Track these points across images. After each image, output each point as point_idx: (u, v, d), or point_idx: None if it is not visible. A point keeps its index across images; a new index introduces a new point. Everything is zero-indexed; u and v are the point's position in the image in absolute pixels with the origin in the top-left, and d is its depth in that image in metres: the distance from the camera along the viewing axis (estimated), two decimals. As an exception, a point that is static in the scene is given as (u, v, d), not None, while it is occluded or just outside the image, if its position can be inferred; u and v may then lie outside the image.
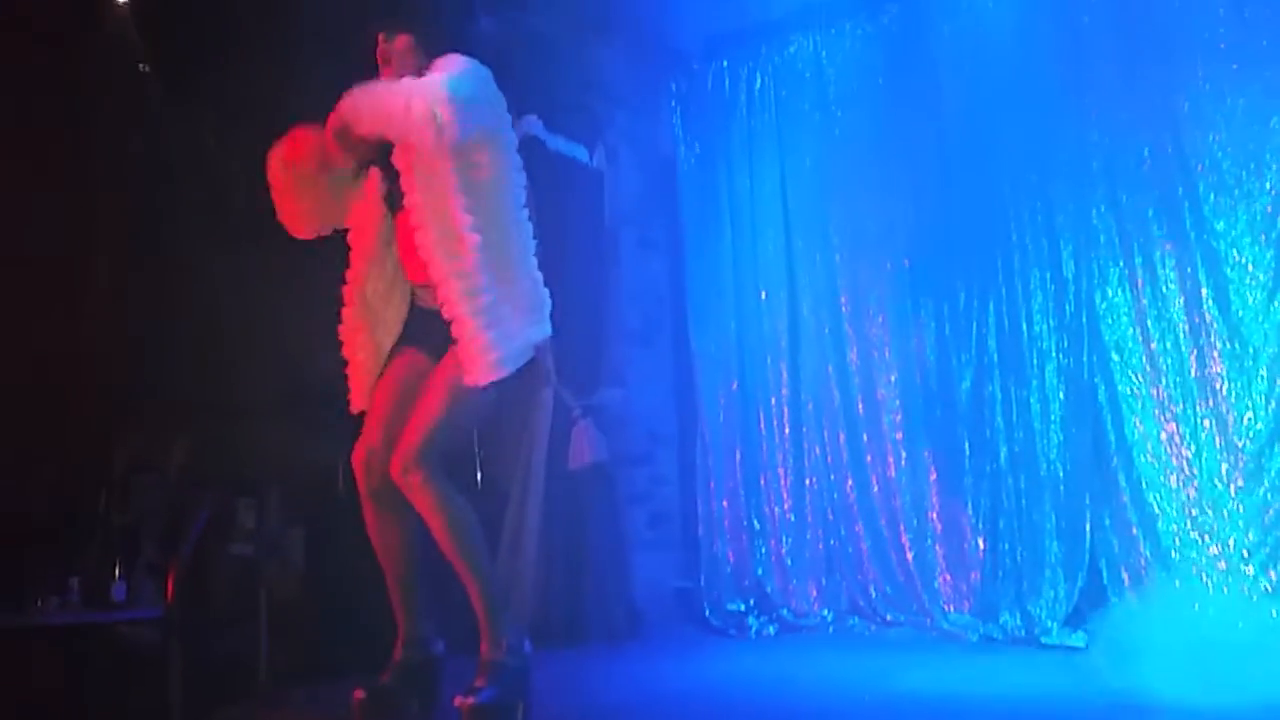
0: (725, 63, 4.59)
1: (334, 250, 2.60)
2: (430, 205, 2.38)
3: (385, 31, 2.49)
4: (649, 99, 4.66)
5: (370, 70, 2.47)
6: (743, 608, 4.30)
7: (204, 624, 3.15)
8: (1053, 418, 3.80)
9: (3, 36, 3.11)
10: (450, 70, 2.37)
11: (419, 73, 2.42)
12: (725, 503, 4.45)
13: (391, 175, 2.46)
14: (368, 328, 2.58)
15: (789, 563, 4.33)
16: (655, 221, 4.73)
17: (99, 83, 3.24)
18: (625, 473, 4.24)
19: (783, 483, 4.38)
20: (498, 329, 2.39)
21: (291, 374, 3.44)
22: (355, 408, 2.59)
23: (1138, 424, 3.67)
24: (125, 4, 3.33)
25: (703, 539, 4.45)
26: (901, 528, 4.08)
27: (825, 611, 4.22)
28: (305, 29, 3.11)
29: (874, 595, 4.12)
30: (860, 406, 4.23)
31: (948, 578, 3.98)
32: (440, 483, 2.40)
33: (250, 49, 3.17)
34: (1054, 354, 3.82)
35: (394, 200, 2.49)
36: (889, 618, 4.06)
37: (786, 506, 4.36)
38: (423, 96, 2.27)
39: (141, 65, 3.29)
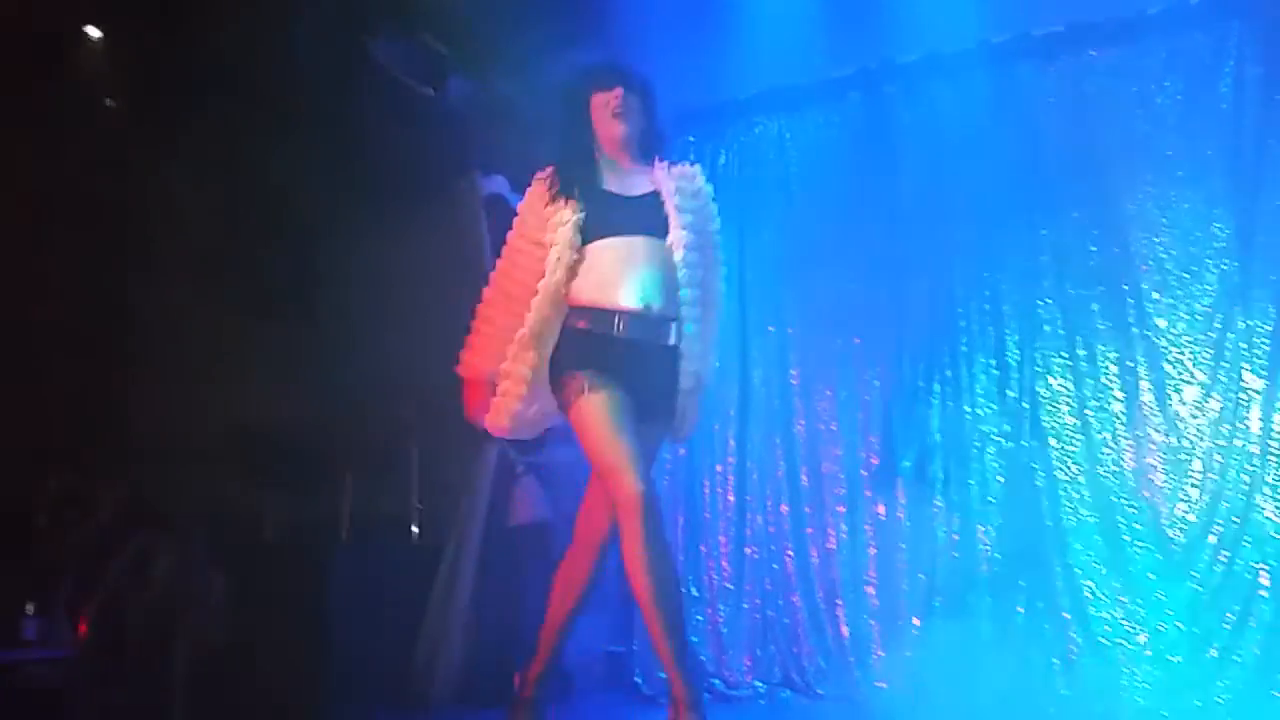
0: (691, 138, 4.64)
1: (282, 301, 2.57)
2: None
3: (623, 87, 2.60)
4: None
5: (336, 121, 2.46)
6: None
7: (115, 669, 3.03)
8: (991, 500, 3.85)
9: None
10: None
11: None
12: (665, 566, 4.41)
13: None
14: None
15: (724, 631, 4.29)
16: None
17: (63, 119, 3.19)
18: (566, 532, 4.19)
19: (723, 550, 4.37)
20: None
21: (231, 420, 3.38)
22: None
23: (1073, 511, 3.74)
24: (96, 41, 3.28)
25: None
26: (839, 601, 4.08)
27: (757, 683, 4.19)
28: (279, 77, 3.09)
29: (807, 668, 4.10)
30: (804, 478, 4.25)
31: (881, 653, 3.98)
32: None
33: (224, 95, 3.13)
34: (995, 438, 3.88)
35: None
36: (821, 691, 4.04)
37: (725, 575, 4.34)
38: None
39: (108, 101, 3.25)
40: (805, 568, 4.19)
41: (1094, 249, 3.81)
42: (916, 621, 3.90)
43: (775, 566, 4.25)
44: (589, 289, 2.51)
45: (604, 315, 2.50)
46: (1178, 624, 3.52)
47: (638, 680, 4.28)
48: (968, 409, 3.94)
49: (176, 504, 3.33)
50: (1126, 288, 3.73)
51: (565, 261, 2.51)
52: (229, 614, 3.40)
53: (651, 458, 2.61)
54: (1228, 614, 3.46)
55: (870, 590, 4.04)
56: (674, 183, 2.61)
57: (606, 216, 2.54)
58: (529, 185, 2.66)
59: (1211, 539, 3.54)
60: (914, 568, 3.95)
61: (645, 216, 2.56)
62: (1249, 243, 3.62)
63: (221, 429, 3.40)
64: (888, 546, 4.03)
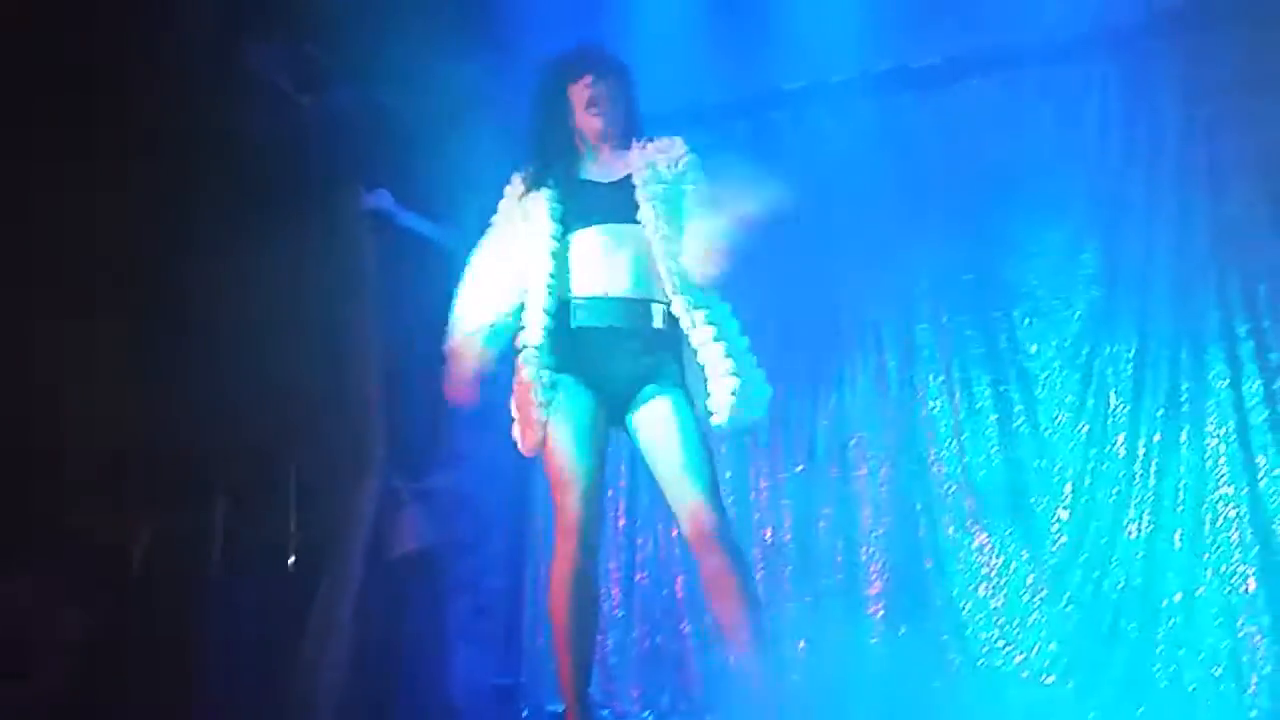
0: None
1: (150, 315, 2.43)
2: None
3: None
4: (506, 183, 4.62)
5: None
6: (562, 708, 4.17)
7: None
8: (873, 522, 3.92)
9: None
10: None
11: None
12: (553, 595, 4.34)
13: None
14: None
15: (613, 660, 4.24)
16: (509, 305, 4.66)
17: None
18: (451, 561, 4.08)
19: (613, 577, 4.32)
20: None
21: (92, 440, 3.17)
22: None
23: (950, 533, 3.83)
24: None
25: (527, 633, 4.33)
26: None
27: (646, 713, 4.15)
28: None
29: (695, 696, 4.08)
30: (694, 502, 4.24)
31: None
32: None
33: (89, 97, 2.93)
34: (875, 460, 3.96)
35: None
36: (709, 719, 4.02)
37: (615, 602, 4.29)
38: None
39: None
40: (694, 593, 4.17)
41: (969, 276, 3.93)
42: (801, 645, 3.93)
43: (665, 592, 4.23)
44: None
45: (567, 307, 2.43)
46: (1051, 644, 3.63)
47: (525, 714, 4.19)
48: (849, 431, 4.01)
49: (28, 532, 3.11)
50: (999, 314, 3.87)
51: (546, 250, 2.45)
52: (84, 652, 3.19)
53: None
54: (1097, 634, 3.58)
55: (758, 614, 4.04)
56: (646, 161, 2.51)
57: (581, 205, 2.48)
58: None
59: (1081, 559, 3.67)
60: (799, 591, 3.97)
61: (618, 203, 2.47)
62: (1114, 272, 3.80)
63: (82, 450, 3.19)
64: (774, 570, 4.05)
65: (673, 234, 2.43)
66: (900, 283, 4.02)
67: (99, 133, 2.62)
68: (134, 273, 2.80)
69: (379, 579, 3.55)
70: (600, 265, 2.44)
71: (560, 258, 2.46)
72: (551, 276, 2.45)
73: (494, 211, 2.66)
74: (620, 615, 4.28)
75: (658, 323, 2.44)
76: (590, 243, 2.46)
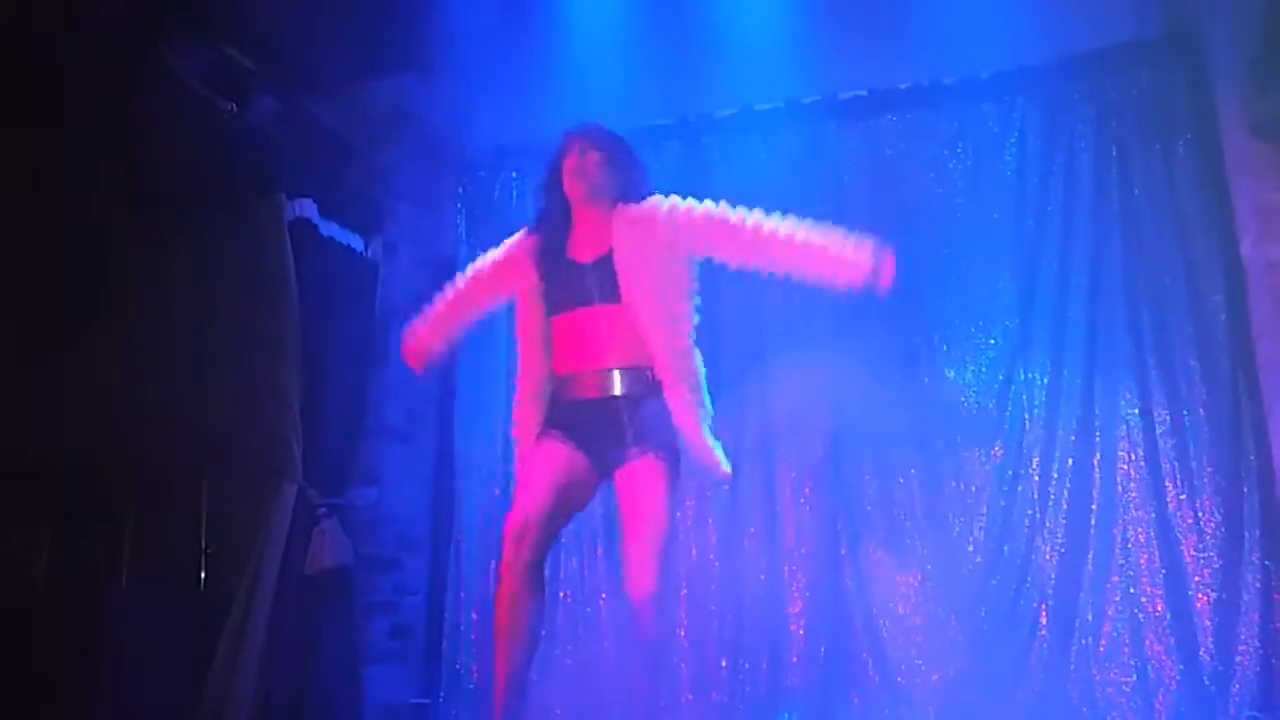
0: (514, 173, 4.63)
1: (57, 325, 2.36)
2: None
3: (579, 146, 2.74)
4: (433, 198, 4.61)
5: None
6: (476, 730, 4.12)
7: None
8: (796, 541, 3.94)
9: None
10: None
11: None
12: (475, 615, 4.28)
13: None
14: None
15: (534, 678, 4.18)
16: (430, 318, 4.61)
17: None
18: (369, 579, 4.00)
19: (538, 595, 4.27)
20: None
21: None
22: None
23: (872, 551, 3.87)
24: None
25: (446, 653, 4.26)
26: (650, 645, 4.06)
27: (568, 731, 4.10)
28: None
29: (617, 716, 4.04)
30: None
31: (690, 697, 3.98)
32: None
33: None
34: (797, 479, 3.99)
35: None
36: (631, 739, 3.99)
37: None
38: None
39: None
40: (616, 612, 4.15)
41: (890, 302, 3.99)
42: (724, 663, 3.93)
43: (588, 610, 4.20)
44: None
45: (562, 381, 2.72)
46: (967, 662, 3.68)
47: (442, 734, 4.12)
48: (773, 452, 4.04)
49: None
50: (919, 339, 3.94)
51: (530, 333, 2.77)
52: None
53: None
54: (1012, 652, 3.64)
55: (680, 633, 4.03)
56: (624, 233, 2.69)
57: (565, 289, 2.71)
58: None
59: (995, 581, 3.74)
60: (723, 609, 3.98)
61: (599, 284, 2.67)
62: (1030, 301, 3.91)
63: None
64: (699, 589, 4.05)
65: (653, 304, 2.64)
66: (822, 303, 4.06)
67: (4, 132, 2.55)
68: (34, 276, 2.71)
69: (294, 596, 3.46)
70: (583, 343, 2.67)
71: (546, 341, 2.75)
72: (538, 360, 2.75)
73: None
74: (542, 634, 4.22)
75: (641, 388, 2.65)
76: (574, 324, 2.69)
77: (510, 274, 2.82)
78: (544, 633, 4.14)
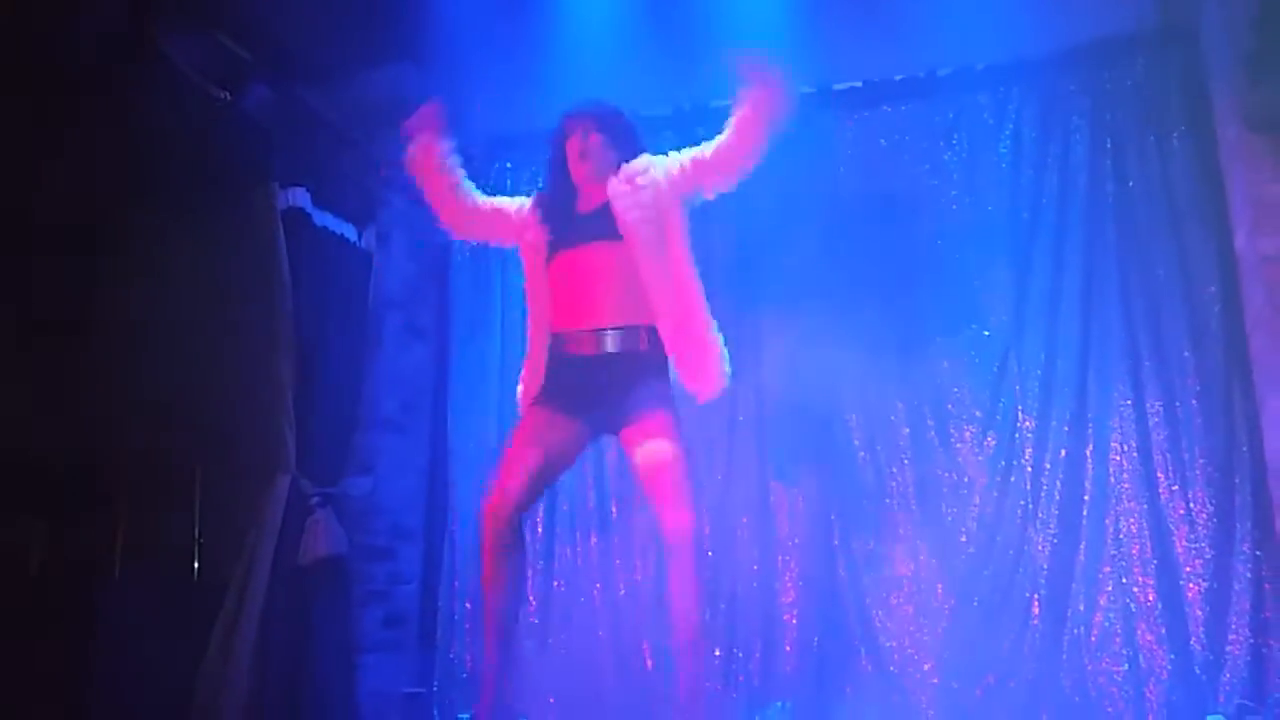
0: (508, 164, 4.62)
1: (53, 315, 2.34)
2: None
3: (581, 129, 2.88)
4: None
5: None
6: (467, 717, 4.13)
7: None
8: (788, 531, 3.95)
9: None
10: None
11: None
12: (469, 604, 4.29)
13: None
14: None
15: (529, 667, 4.19)
16: (424, 309, 4.59)
17: None
18: (363, 569, 4.00)
19: (530, 585, 4.28)
20: None
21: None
22: None
23: (865, 541, 3.88)
24: None
25: (440, 642, 4.26)
26: (645, 638, 4.07)
27: (562, 721, 4.11)
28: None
29: (611, 705, 4.05)
30: (614, 509, 4.24)
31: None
32: None
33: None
34: (791, 473, 4.00)
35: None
36: (625, 727, 4.01)
37: (531, 609, 4.25)
38: None
39: None
40: (611, 602, 4.16)
41: (885, 291, 4.01)
42: (718, 652, 3.94)
43: (582, 600, 4.20)
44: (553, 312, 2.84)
45: (558, 338, 2.83)
46: (960, 652, 3.69)
47: (435, 722, 4.12)
48: (766, 443, 4.04)
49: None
50: (913, 330, 3.95)
51: (535, 289, 2.87)
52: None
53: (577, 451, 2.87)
54: (1004, 642, 3.66)
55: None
56: (621, 188, 2.84)
57: (562, 233, 2.86)
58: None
59: (988, 571, 3.75)
60: (716, 599, 3.98)
61: (596, 225, 2.83)
62: (1024, 292, 3.91)
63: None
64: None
65: (651, 237, 2.76)
66: (817, 293, 4.07)
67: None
68: (29, 268, 2.70)
69: (288, 586, 3.47)
70: (581, 292, 2.78)
71: (550, 298, 2.84)
72: (541, 313, 2.85)
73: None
74: (536, 623, 4.24)
75: (643, 345, 2.74)
76: (573, 266, 2.81)
77: (512, 222, 2.97)
78: (536, 621, 4.22)
